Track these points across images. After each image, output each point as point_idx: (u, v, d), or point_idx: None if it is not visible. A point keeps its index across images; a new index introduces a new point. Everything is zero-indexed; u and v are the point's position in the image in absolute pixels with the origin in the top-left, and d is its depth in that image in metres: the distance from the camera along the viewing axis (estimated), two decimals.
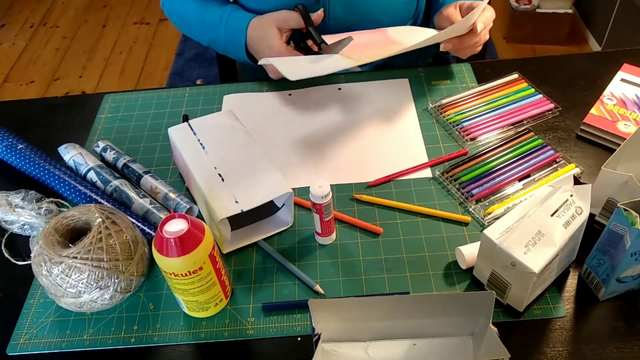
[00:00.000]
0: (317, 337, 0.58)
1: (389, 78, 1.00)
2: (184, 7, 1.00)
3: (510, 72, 0.98)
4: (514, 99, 0.93)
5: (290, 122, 0.93)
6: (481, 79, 0.99)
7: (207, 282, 0.64)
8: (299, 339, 0.67)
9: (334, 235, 0.76)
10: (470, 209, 0.78)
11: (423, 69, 1.02)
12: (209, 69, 2.54)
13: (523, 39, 2.48)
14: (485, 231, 0.63)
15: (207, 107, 0.98)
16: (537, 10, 2.38)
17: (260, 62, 0.85)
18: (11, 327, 0.70)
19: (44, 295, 0.73)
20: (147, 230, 0.76)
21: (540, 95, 0.93)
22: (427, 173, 0.84)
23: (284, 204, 0.77)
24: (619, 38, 2.18)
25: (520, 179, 0.81)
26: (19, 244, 0.79)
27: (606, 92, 0.90)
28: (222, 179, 0.74)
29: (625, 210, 0.59)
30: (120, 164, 0.86)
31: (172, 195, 0.80)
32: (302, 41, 0.91)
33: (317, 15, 0.88)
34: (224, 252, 0.75)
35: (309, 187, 0.71)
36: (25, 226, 0.78)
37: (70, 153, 0.86)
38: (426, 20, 1.09)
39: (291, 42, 0.91)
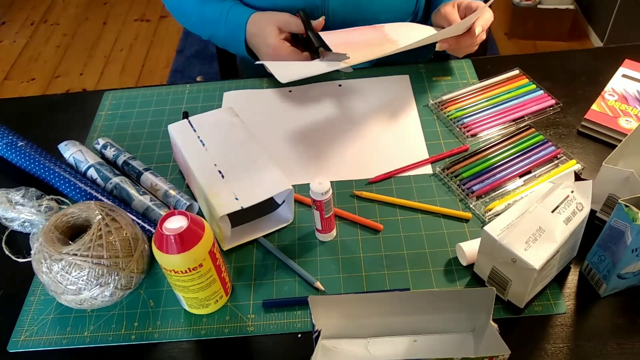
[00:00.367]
0: (317, 333, 0.58)
1: (389, 74, 1.00)
2: (185, 1, 1.00)
3: (511, 68, 0.98)
4: (515, 95, 0.93)
5: (291, 118, 0.93)
6: (482, 75, 0.98)
7: (207, 279, 0.64)
8: (299, 335, 0.67)
9: (334, 232, 0.76)
10: (471, 206, 0.78)
11: (424, 65, 1.01)
12: (209, 66, 2.53)
13: (524, 35, 2.47)
14: (485, 227, 0.63)
15: (207, 104, 0.98)
16: (539, 6, 2.38)
17: (256, 63, 0.85)
18: (12, 324, 0.70)
19: (45, 292, 0.73)
20: (147, 227, 0.76)
21: (542, 91, 0.93)
22: (427, 169, 0.84)
23: (284, 201, 0.77)
24: (620, 34, 2.17)
25: (521, 175, 0.81)
26: (20, 242, 0.79)
27: (607, 88, 0.90)
28: (222, 176, 0.74)
29: (627, 206, 0.59)
30: (120, 161, 0.86)
31: (172, 192, 0.80)
32: (302, 41, 0.91)
33: (318, 22, 0.88)
34: (224, 249, 0.75)
35: (309, 183, 0.71)
36: (26, 223, 0.78)
37: (70, 150, 0.86)
38: (426, 16, 1.09)
39: (290, 37, 0.91)
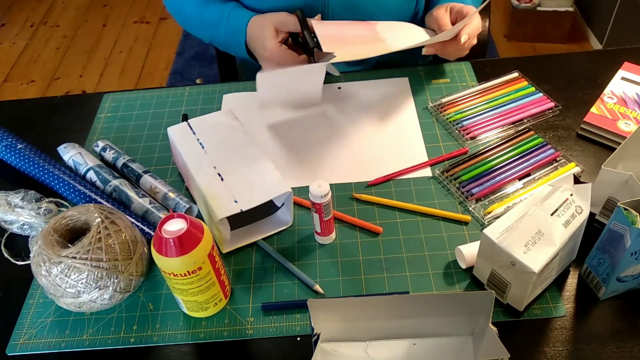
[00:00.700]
0: (316, 336, 0.58)
1: (388, 77, 1.00)
2: (186, 3, 1.00)
3: (511, 71, 0.98)
4: (514, 97, 0.93)
5: (290, 121, 0.93)
6: (481, 77, 0.98)
7: (206, 282, 0.64)
8: (298, 338, 0.67)
9: (333, 235, 0.76)
10: (470, 208, 0.78)
11: (423, 68, 1.02)
12: (209, 68, 2.53)
13: (524, 37, 2.47)
14: (485, 230, 0.63)
15: (207, 107, 0.98)
16: (538, 8, 2.38)
17: (258, 74, 0.86)
18: (11, 327, 0.70)
19: (44, 295, 0.73)
20: (147, 230, 0.76)
21: (541, 94, 0.93)
22: (426, 172, 0.84)
23: (283, 204, 0.77)
24: (619, 36, 2.17)
25: (520, 178, 0.81)
26: (19, 244, 0.79)
27: (607, 90, 0.90)
28: (222, 179, 0.74)
29: (626, 209, 0.59)
30: (119, 163, 0.86)
31: (171, 194, 0.80)
32: (300, 42, 0.91)
33: (315, 21, 0.88)
34: (224, 251, 0.75)
35: (308, 186, 0.71)
36: (25, 226, 0.78)
37: (69, 153, 0.86)
38: None
39: (289, 39, 0.91)
